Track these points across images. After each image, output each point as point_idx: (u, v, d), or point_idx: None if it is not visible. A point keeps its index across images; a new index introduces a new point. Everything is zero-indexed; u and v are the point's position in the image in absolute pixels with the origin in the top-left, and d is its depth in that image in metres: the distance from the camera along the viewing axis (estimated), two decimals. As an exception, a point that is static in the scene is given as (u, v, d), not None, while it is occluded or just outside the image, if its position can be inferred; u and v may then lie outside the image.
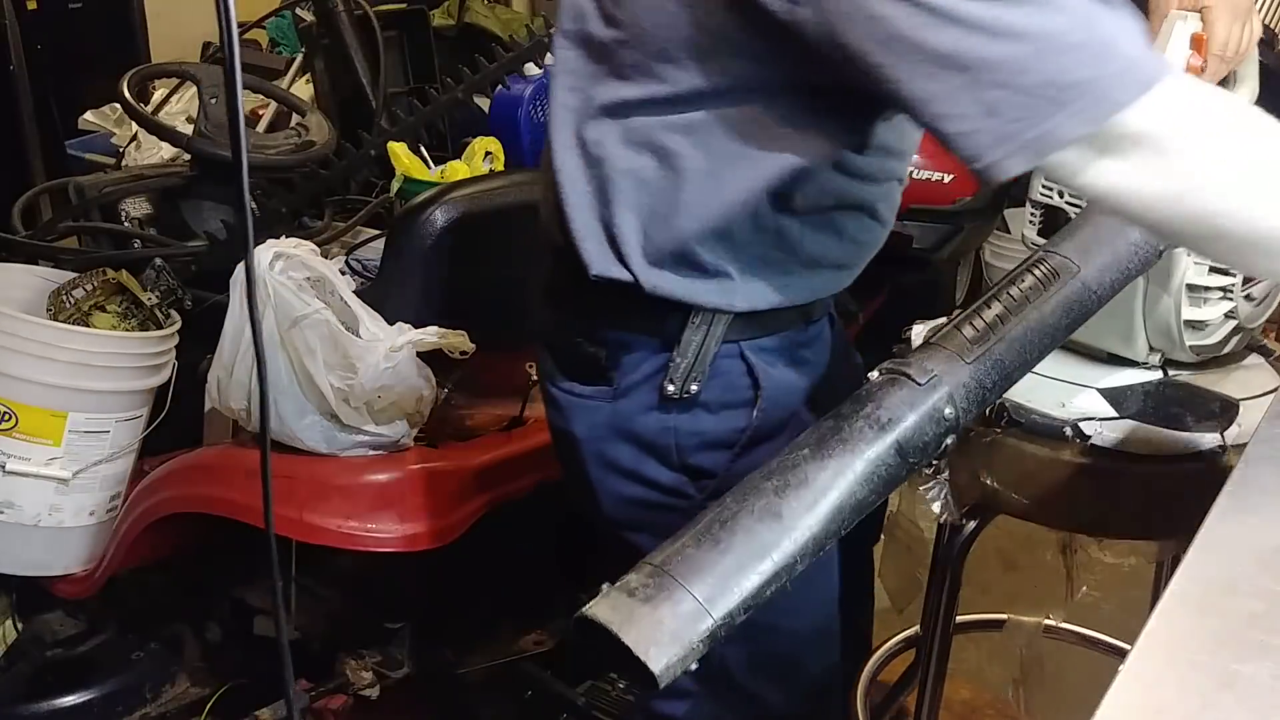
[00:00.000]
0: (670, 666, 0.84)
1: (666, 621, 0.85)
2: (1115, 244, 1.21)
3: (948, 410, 1.02)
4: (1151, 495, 1.27)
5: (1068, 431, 1.27)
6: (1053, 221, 1.36)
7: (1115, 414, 1.30)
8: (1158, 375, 1.42)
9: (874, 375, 1.05)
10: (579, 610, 0.88)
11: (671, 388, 1.17)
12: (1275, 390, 1.38)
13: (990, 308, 1.10)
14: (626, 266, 1.13)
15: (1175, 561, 1.02)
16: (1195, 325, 1.37)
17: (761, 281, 1.15)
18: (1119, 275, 1.20)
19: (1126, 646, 0.71)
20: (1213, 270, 1.34)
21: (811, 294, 1.20)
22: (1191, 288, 1.34)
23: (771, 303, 1.17)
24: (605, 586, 0.88)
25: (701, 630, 0.86)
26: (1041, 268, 1.16)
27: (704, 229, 1.11)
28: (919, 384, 1.02)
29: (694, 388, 1.17)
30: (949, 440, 1.03)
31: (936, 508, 1.38)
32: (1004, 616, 1.73)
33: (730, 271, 1.14)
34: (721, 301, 1.14)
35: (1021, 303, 1.11)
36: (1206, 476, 1.25)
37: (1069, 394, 1.34)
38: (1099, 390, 1.36)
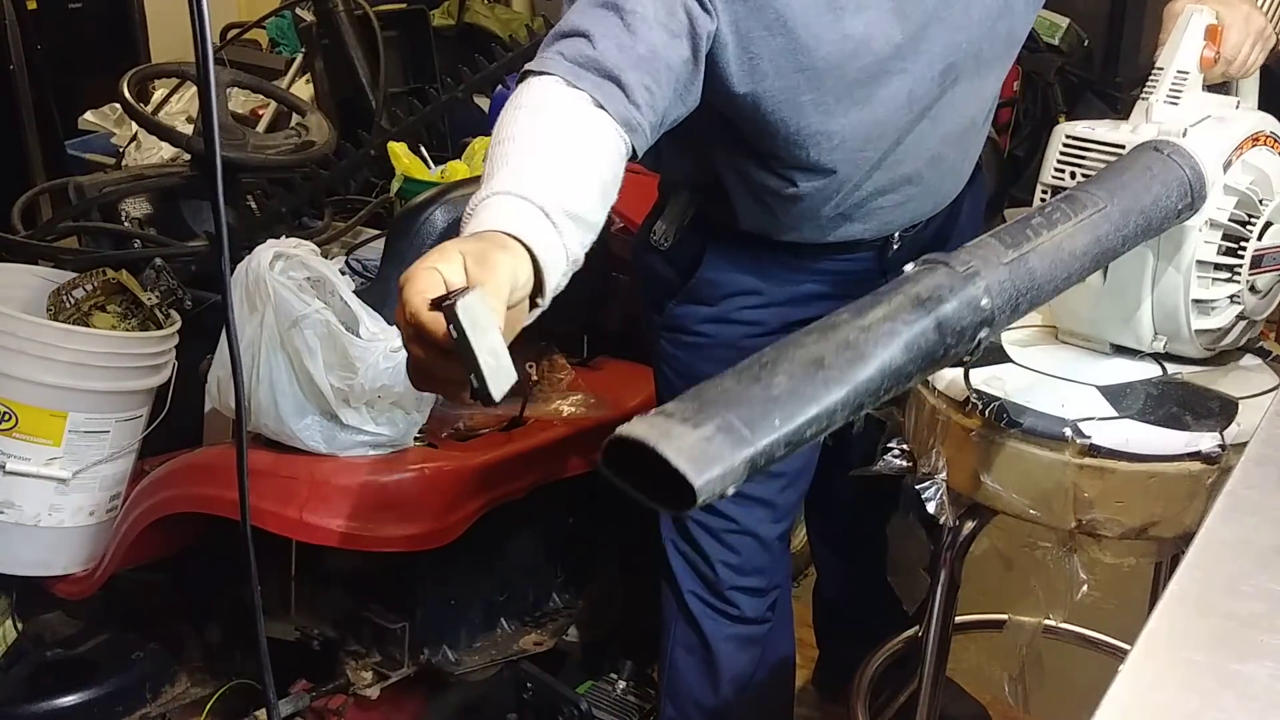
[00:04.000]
0: (710, 483, 0.79)
1: (707, 441, 0.80)
2: (1139, 194, 1.23)
3: (985, 301, 1.02)
4: (1152, 495, 1.27)
5: (1068, 432, 1.27)
6: (1063, 204, 1.38)
7: (1115, 413, 1.30)
8: (1157, 372, 1.42)
9: (909, 268, 1.05)
10: (611, 435, 0.81)
11: (654, 238, 1.61)
12: (1274, 389, 1.38)
13: (1022, 224, 1.12)
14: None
15: (1175, 561, 1.02)
16: (1202, 306, 1.37)
17: (722, 209, 1.55)
18: (1142, 222, 1.21)
19: (1126, 646, 0.71)
20: (1222, 250, 1.35)
21: (758, 231, 1.55)
22: (1201, 264, 1.35)
23: (723, 220, 1.55)
24: (637, 417, 0.83)
25: (743, 454, 0.81)
26: (1072, 201, 1.18)
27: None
28: (958, 270, 1.02)
29: (666, 244, 1.60)
30: (983, 334, 1.03)
31: (932, 508, 1.37)
32: (1004, 616, 1.73)
33: (702, 193, 1.56)
34: (699, 197, 1.58)
35: (1053, 225, 1.13)
36: (1207, 476, 1.25)
37: (1069, 393, 1.34)
38: (1098, 389, 1.36)
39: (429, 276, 0.89)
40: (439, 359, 0.89)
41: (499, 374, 0.87)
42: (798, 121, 1.35)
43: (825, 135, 1.37)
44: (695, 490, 0.78)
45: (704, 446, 0.80)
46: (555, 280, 1.00)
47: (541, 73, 1.17)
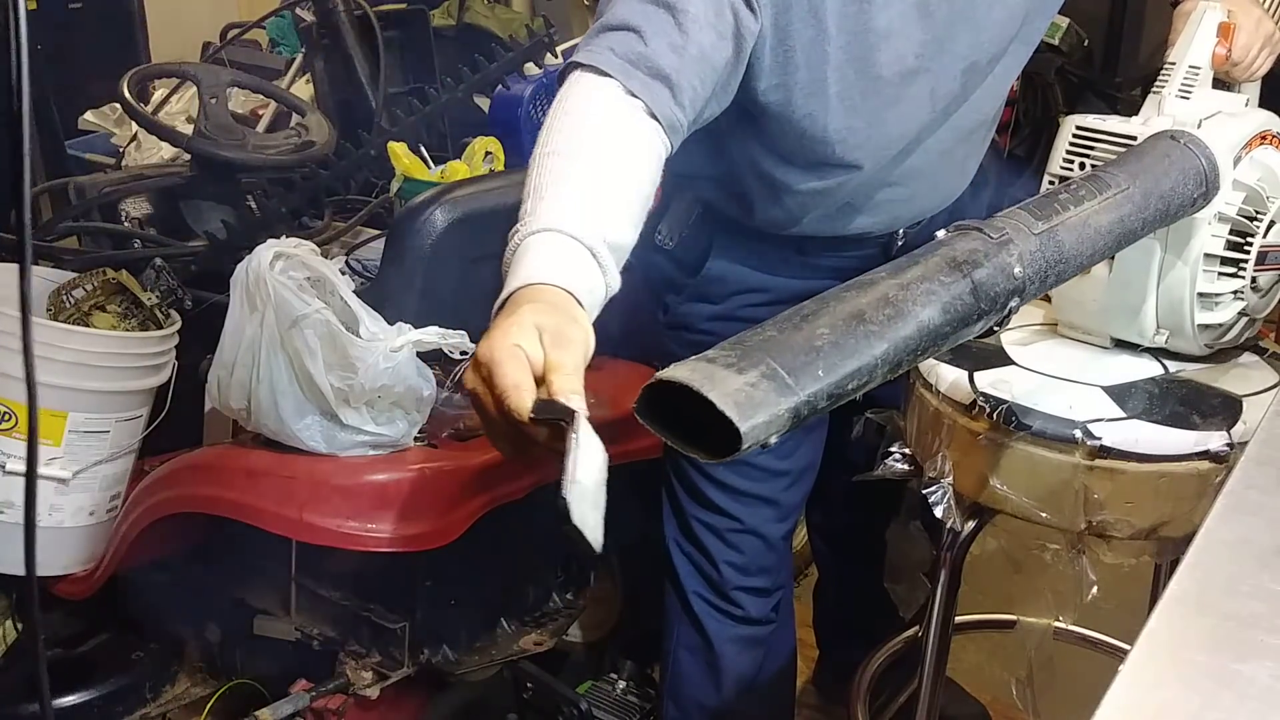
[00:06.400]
0: (755, 429, 0.77)
1: (752, 386, 0.78)
2: (1159, 178, 1.24)
3: (1017, 269, 1.03)
4: (1162, 495, 1.27)
5: (1077, 434, 1.27)
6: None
7: (1123, 414, 1.30)
8: (1158, 370, 1.41)
9: (941, 233, 1.06)
10: (653, 377, 0.79)
11: (659, 238, 1.61)
12: (1276, 386, 1.38)
13: (1050, 199, 1.14)
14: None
15: (1175, 562, 1.02)
16: (1206, 300, 1.37)
17: (732, 203, 1.54)
18: (1161, 206, 1.23)
19: (1127, 647, 0.71)
20: (1228, 245, 1.35)
21: (767, 225, 1.54)
22: (1208, 257, 1.35)
23: (731, 214, 1.55)
24: (676, 363, 0.82)
25: (788, 403, 0.79)
26: (1096, 180, 1.19)
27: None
28: (991, 237, 1.03)
29: (671, 243, 1.60)
30: (1014, 303, 1.03)
31: (940, 512, 1.37)
32: (1014, 617, 1.73)
33: (713, 186, 1.54)
34: (701, 194, 1.58)
35: (1079, 201, 1.14)
36: (1215, 475, 1.25)
37: (1075, 394, 1.34)
38: (1103, 389, 1.36)
39: (515, 358, 0.88)
40: (528, 444, 0.89)
41: (600, 524, 0.82)
42: (824, 117, 1.36)
43: (850, 131, 1.38)
44: (741, 435, 0.76)
45: (749, 392, 0.78)
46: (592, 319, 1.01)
47: (590, 67, 1.16)
